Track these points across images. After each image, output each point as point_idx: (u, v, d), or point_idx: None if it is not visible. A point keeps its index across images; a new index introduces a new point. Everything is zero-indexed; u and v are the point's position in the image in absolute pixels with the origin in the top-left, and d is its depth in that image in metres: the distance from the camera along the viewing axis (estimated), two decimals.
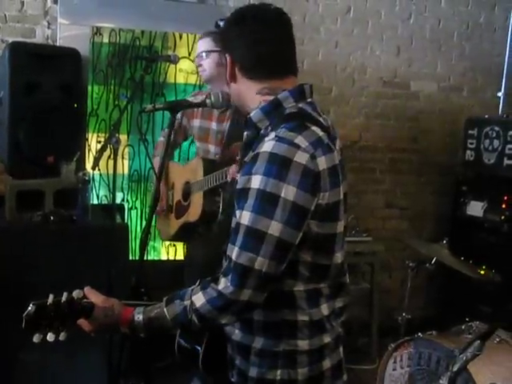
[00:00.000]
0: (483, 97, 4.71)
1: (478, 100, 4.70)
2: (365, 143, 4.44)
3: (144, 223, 3.97)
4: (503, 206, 3.90)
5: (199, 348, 1.69)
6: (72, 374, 3.02)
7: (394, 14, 4.45)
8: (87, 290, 1.56)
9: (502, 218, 3.89)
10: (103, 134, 3.80)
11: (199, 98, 1.85)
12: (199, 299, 1.45)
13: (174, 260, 3.98)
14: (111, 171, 2.76)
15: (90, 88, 3.78)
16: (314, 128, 1.49)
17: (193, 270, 2.93)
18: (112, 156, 2.75)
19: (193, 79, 3.96)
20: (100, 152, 2.58)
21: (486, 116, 4.26)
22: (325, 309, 1.57)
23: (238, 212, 1.46)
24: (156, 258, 3.96)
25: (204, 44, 2.85)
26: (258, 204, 1.41)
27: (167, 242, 3.92)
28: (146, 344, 2.91)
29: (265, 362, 1.55)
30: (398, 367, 2.87)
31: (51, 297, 1.48)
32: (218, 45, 2.68)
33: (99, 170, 3.57)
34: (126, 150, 3.87)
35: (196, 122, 2.99)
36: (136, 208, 3.96)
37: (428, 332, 2.81)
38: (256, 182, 1.41)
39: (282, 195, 1.40)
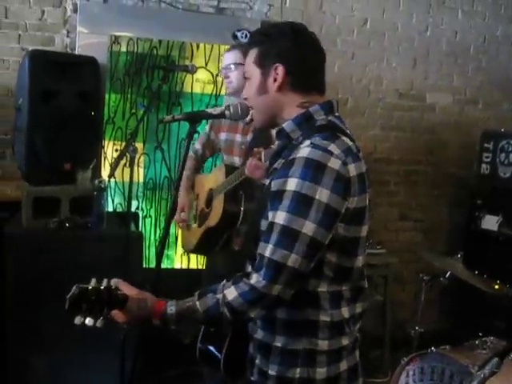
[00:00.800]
0: (499, 110, 4.69)
1: (493, 113, 4.69)
2: (380, 155, 4.44)
3: (158, 231, 3.98)
4: None
5: (219, 353, 1.74)
6: (84, 379, 3.03)
7: (411, 27, 4.45)
8: (120, 282, 1.60)
9: None
10: (119, 142, 3.83)
11: (218, 110, 1.86)
12: (231, 293, 1.53)
13: (188, 269, 3.99)
14: (127, 179, 2.78)
15: (107, 96, 3.82)
16: (344, 138, 1.59)
17: (212, 281, 2.93)
18: (128, 164, 2.77)
19: (209, 89, 3.98)
20: (117, 160, 2.59)
21: (503, 129, 4.24)
22: (345, 311, 1.63)
23: (271, 213, 1.54)
24: (169, 267, 3.97)
25: (232, 56, 2.86)
26: (293, 205, 1.50)
27: (181, 251, 3.93)
28: (158, 351, 2.93)
29: (285, 361, 1.61)
30: (411, 381, 2.84)
31: (93, 281, 1.53)
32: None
33: (115, 177, 3.58)
34: (142, 158, 3.89)
35: (223, 136, 3.01)
36: (150, 216, 3.98)
37: (441, 346, 2.79)
38: (292, 184, 1.50)
39: (317, 197, 1.49)
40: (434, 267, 3.49)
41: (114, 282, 1.56)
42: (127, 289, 1.59)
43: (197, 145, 3.17)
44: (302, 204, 1.49)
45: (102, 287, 1.52)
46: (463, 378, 2.61)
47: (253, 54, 1.68)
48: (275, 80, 1.65)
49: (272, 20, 4.09)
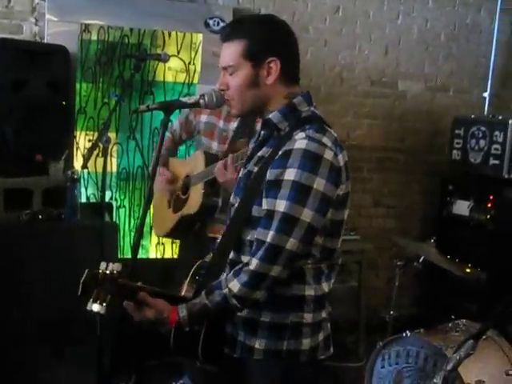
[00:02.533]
0: (469, 97, 4.75)
1: (464, 100, 4.74)
2: (352, 142, 4.45)
3: (133, 221, 3.96)
4: (489, 205, 3.95)
5: (196, 340, 1.73)
6: (61, 374, 3.01)
7: (382, 14, 4.47)
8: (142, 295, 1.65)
9: (488, 216, 3.94)
10: (92, 132, 3.79)
11: (193, 99, 1.84)
12: (235, 285, 1.62)
13: (163, 258, 3.98)
14: (100, 169, 2.75)
15: (78, 85, 3.76)
16: (330, 130, 1.70)
17: (187, 270, 2.92)
18: (100, 154, 2.74)
19: (182, 78, 3.95)
20: (90, 151, 2.56)
21: (473, 116, 4.31)
22: (325, 286, 1.75)
23: (270, 200, 1.62)
24: (144, 257, 3.95)
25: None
26: (293, 194, 1.59)
27: (155, 241, 3.91)
28: (136, 342, 2.92)
29: (273, 334, 1.70)
30: (386, 365, 2.89)
31: (103, 265, 1.59)
32: None
33: (88, 168, 3.53)
34: (115, 148, 3.85)
35: (203, 118, 2.95)
36: (124, 206, 3.95)
37: (416, 330, 2.84)
38: (291, 174, 1.59)
39: (314, 186, 1.59)
40: (408, 252, 3.54)
41: (116, 266, 1.59)
42: (146, 298, 1.64)
43: (175, 125, 3.10)
44: (301, 193, 1.59)
45: (108, 272, 1.57)
46: (437, 360, 2.66)
47: (238, 46, 1.69)
48: (268, 74, 1.69)
49: (244, 7, 4.09)
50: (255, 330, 1.71)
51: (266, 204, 1.64)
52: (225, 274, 1.69)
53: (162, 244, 3.95)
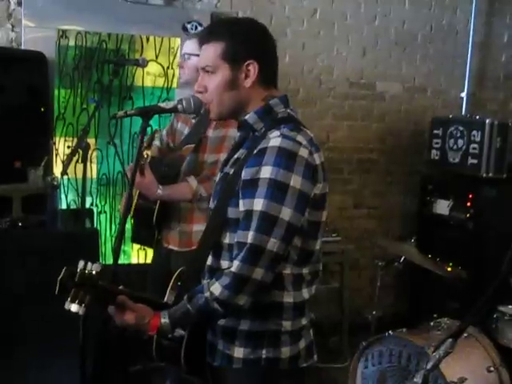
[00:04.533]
0: (447, 97, 4.80)
1: (442, 100, 4.79)
2: (332, 144, 4.49)
3: (114, 227, 3.94)
4: (468, 204, 3.99)
5: (179, 347, 1.72)
6: (44, 380, 2.98)
7: (360, 16, 4.50)
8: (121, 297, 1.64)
9: (468, 215, 3.98)
10: (71, 138, 3.77)
11: (171, 104, 1.85)
12: (217, 288, 1.59)
13: (145, 264, 3.96)
14: (79, 175, 2.74)
15: (56, 92, 3.74)
16: (306, 130, 1.69)
17: (152, 279, 2.92)
18: (80, 160, 2.73)
19: (160, 82, 3.95)
20: (69, 157, 2.56)
21: (451, 116, 4.35)
22: (305, 293, 1.72)
23: (246, 200, 1.60)
24: (126, 262, 3.93)
25: (188, 46, 2.77)
26: (270, 191, 1.57)
27: (137, 247, 3.90)
28: (119, 348, 2.90)
29: (251, 343, 1.68)
30: (370, 365, 2.91)
31: (81, 263, 1.57)
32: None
33: (67, 174, 3.51)
34: (95, 153, 3.84)
35: (178, 125, 2.97)
36: (105, 212, 3.93)
37: (398, 329, 2.86)
38: (267, 172, 1.58)
39: (291, 184, 1.58)
40: (389, 253, 3.56)
41: (96, 266, 1.58)
42: (128, 303, 1.64)
43: (163, 131, 3.11)
44: (278, 190, 1.57)
45: (86, 271, 1.55)
46: (420, 359, 2.68)
47: (217, 47, 1.69)
48: (246, 76, 1.69)
49: (222, 11, 4.09)
50: (234, 339, 1.69)
51: (242, 205, 1.62)
52: (208, 279, 1.67)
53: (144, 249, 3.93)
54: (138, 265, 3.96)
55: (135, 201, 2.79)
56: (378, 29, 4.57)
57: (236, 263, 1.58)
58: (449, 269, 3.79)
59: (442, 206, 4.16)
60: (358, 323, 3.94)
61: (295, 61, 4.32)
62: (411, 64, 4.70)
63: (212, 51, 1.70)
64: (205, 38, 1.74)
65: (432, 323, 2.97)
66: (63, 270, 1.55)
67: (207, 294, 1.60)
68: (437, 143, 4.30)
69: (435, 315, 3.10)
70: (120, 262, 3.91)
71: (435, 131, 4.33)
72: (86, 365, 2.64)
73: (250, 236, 1.58)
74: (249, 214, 1.59)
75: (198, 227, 2.66)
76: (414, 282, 4.36)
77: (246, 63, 1.68)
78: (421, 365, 2.65)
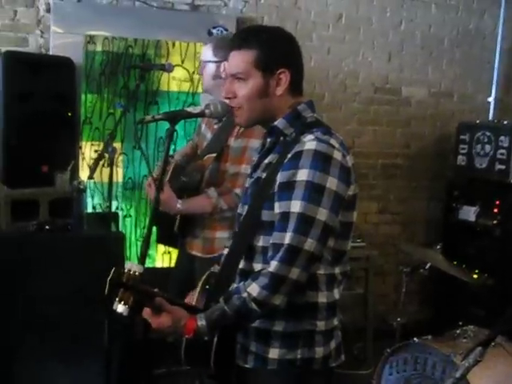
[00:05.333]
0: (473, 102, 4.76)
1: (468, 105, 4.75)
2: (357, 149, 4.47)
3: (139, 231, 3.97)
4: (495, 210, 3.94)
5: (208, 350, 1.72)
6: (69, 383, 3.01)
7: (385, 21, 4.49)
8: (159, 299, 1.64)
9: (494, 222, 3.93)
10: (97, 143, 3.80)
11: (198, 109, 1.86)
12: (254, 289, 1.60)
13: (169, 267, 3.97)
14: (105, 179, 2.76)
15: (83, 96, 3.78)
16: (335, 133, 1.73)
17: (174, 284, 2.94)
18: (106, 164, 2.75)
19: (186, 87, 3.97)
20: (96, 162, 2.58)
21: (478, 121, 4.31)
22: (336, 293, 1.75)
23: (283, 203, 1.63)
24: (151, 266, 3.95)
25: (204, 54, 2.77)
26: (307, 193, 1.60)
27: (162, 251, 3.92)
28: (144, 351, 2.92)
29: (286, 343, 1.70)
30: (394, 372, 2.88)
31: (129, 264, 1.59)
32: (216, 55, 2.67)
33: (93, 178, 3.55)
34: (120, 157, 3.87)
35: (203, 128, 2.97)
36: (130, 216, 3.96)
37: (423, 337, 2.83)
38: (304, 174, 1.61)
39: (327, 186, 1.61)
40: (414, 259, 3.53)
41: (138, 268, 1.59)
42: (165, 305, 1.63)
43: (194, 135, 3.12)
44: (315, 192, 1.60)
45: (131, 273, 1.57)
46: (445, 367, 2.65)
47: (249, 55, 1.70)
48: (278, 85, 1.72)
49: (247, 16, 4.10)
50: (268, 340, 1.71)
51: (278, 207, 1.64)
52: (239, 283, 1.68)
53: (169, 253, 3.96)
54: (163, 268, 3.98)
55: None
56: (403, 33, 4.54)
57: (274, 263, 1.59)
58: (475, 276, 3.75)
59: (468, 213, 4.12)
60: (383, 329, 3.91)
61: (320, 65, 4.31)
62: (437, 69, 4.66)
63: (244, 59, 1.71)
64: (237, 44, 1.75)
65: (458, 331, 2.93)
66: (112, 270, 1.56)
67: (245, 295, 1.61)
68: (463, 149, 4.26)
69: (461, 323, 3.06)
70: (144, 265, 3.97)
71: (462, 136, 4.28)
72: (111, 367, 2.65)
73: (287, 237, 1.60)
74: (285, 215, 1.62)
75: (221, 234, 2.68)
76: (440, 289, 4.31)
77: (278, 71, 1.70)
78: (447, 373, 2.62)
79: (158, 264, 4.01)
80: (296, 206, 1.60)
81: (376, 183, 4.60)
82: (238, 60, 1.72)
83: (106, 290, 1.54)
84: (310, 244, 1.59)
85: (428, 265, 3.15)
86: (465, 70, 4.72)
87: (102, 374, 2.69)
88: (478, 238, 4.02)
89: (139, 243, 3.94)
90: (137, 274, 1.58)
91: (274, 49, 1.71)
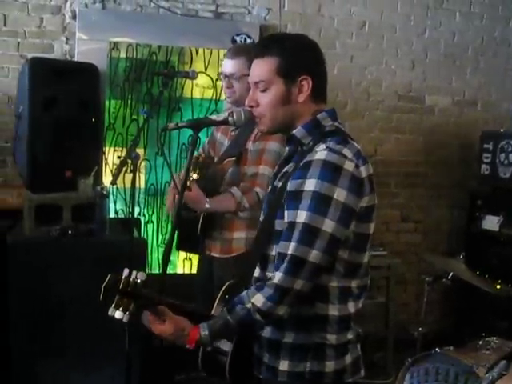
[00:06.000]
0: (497, 111, 4.71)
1: (492, 114, 4.70)
2: (380, 157, 4.45)
3: (160, 237, 3.99)
4: None
5: (224, 359, 1.74)
6: None
7: (409, 29, 4.47)
8: (162, 308, 1.65)
9: None
10: (120, 148, 3.84)
11: (221, 116, 1.86)
12: (259, 300, 1.60)
13: (190, 274, 3.99)
14: (128, 185, 2.78)
15: (107, 102, 3.83)
16: (353, 142, 1.70)
17: (199, 289, 2.96)
18: (129, 170, 2.76)
19: (209, 94, 3.99)
20: (119, 168, 2.59)
21: (502, 130, 4.26)
22: (351, 307, 1.71)
23: (291, 212, 1.62)
24: (172, 272, 3.97)
25: (237, 65, 2.74)
26: (314, 204, 1.59)
27: (183, 256, 3.93)
28: (164, 357, 2.93)
29: (295, 356, 1.68)
30: (415, 382, 2.84)
31: (126, 271, 1.60)
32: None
33: (116, 183, 3.59)
34: (143, 164, 3.90)
35: (217, 136, 3.01)
36: (152, 222, 3.98)
37: (445, 347, 2.79)
38: (311, 184, 1.60)
39: (335, 197, 1.59)
40: (436, 268, 3.50)
41: (141, 275, 1.60)
42: (167, 315, 1.65)
43: (206, 140, 3.15)
44: (321, 203, 1.58)
45: (131, 279, 1.57)
46: (468, 379, 2.61)
47: (271, 63, 1.70)
48: (300, 92, 1.71)
49: (271, 23, 4.11)
50: (278, 351, 1.70)
51: (287, 216, 1.63)
52: (245, 290, 1.67)
53: (190, 259, 3.97)
54: (184, 275, 3.99)
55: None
56: (427, 41, 4.52)
57: (279, 275, 1.59)
58: (498, 286, 3.69)
59: (492, 222, 4.07)
60: (404, 339, 3.87)
61: (344, 73, 4.31)
62: (461, 77, 4.63)
63: (266, 66, 1.71)
64: (259, 52, 1.75)
65: (480, 342, 2.88)
66: (108, 277, 1.57)
67: (249, 306, 1.61)
68: (487, 157, 4.21)
69: (484, 334, 3.02)
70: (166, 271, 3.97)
71: (485, 145, 4.24)
72: (131, 372, 2.66)
73: (291, 247, 1.59)
74: (292, 225, 1.61)
75: (239, 234, 2.74)
76: (462, 299, 4.26)
77: (300, 78, 1.70)
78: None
79: (180, 270, 4.02)
80: (301, 216, 1.59)
81: (398, 191, 4.57)
82: (261, 68, 1.73)
83: (101, 296, 1.55)
84: (314, 255, 1.58)
85: (450, 274, 3.12)
86: (489, 78, 4.68)
87: (122, 378, 2.70)
88: (501, 248, 3.96)
89: (161, 249, 3.96)
90: (138, 280, 1.58)
91: (295, 56, 1.71)
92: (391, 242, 4.45)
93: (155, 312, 1.64)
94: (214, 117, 1.90)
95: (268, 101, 1.72)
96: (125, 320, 1.56)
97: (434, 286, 3.30)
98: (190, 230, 2.85)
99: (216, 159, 2.92)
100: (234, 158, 2.73)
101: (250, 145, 2.70)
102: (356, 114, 4.39)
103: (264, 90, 1.72)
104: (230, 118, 1.84)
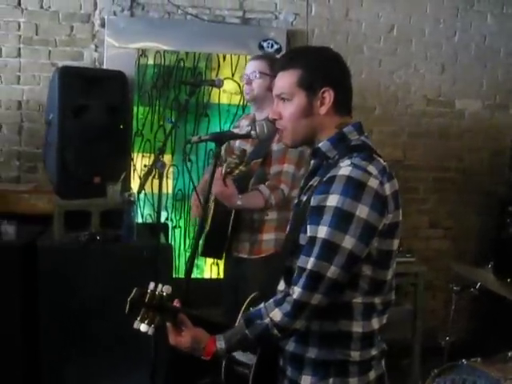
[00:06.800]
0: None
1: None
2: (408, 162, 4.41)
3: (188, 241, 4.02)
4: None
5: (248, 372, 1.75)
6: None
7: (439, 32, 4.41)
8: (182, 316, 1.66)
9: None
10: (148, 154, 3.88)
11: (244, 130, 1.88)
12: (277, 315, 1.60)
13: (217, 279, 4.01)
14: (156, 190, 2.82)
15: (135, 109, 3.87)
16: (379, 159, 1.68)
17: (227, 291, 2.99)
18: (156, 177, 2.79)
19: (236, 100, 4.00)
20: (145, 176, 2.62)
21: None
22: (376, 323, 1.69)
23: (312, 227, 1.61)
24: (199, 277, 4.00)
25: (258, 65, 2.89)
26: (335, 220, 1.57)
27: (210, 261, 3.96)
28: (188, 360, 2.95)
29: (318, 371, 1.67)
30: None
31: (151, 285, 1.61)
32: (272, 70, 2.72)
33: (144, 189, 3.62)
34: (171, 169, 3.93)
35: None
36: (180, 227, 4.01)
37: (472, 358, 2.76)
38: (334, 200, 1.58)
39: (357, 213, 1.57)
40: (464, 277, 3.45)
41: (166, 288, 1.62)
42: (186, 324, 1.66)
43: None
44: (342, 219, 1.57)
45: (157, 293, 1.59)
46: None
47: (293, 75, 1.70)
48: (322, 104, 1.70)
49: (297, 28, 4.10)
50: (301, 366, 1.69)
51: (309, 231, 1.63)
52: (263, 303, 1.67)
53: (217, 264, 3.99)
54: (211, 279, 4.02)
55: (211, 213, 2.88)
56: (457, 44, 4.45)
57: (297, 290, 1.59)
58: None
59: None
60: (431, 346, 3.83)
61: (372, 78, 4.28)
62: (492, 80, 4.55)
63: (288, 79, 1.71)
64: (281, 66, 1.75)
65: (510, 354, 2.84)
66: (134, 290, 1.59)
67: (267, 321, 1.61)
68: None
69: None
70: (193, 276, 4.02)
71: None
72: (156, 378, 2.69)
73: (310, 262, 1.58)
74: (312, 240, 1.60)
75: (268, 236, 2.82)
76: (491, 308, 4.19)
77: (322, 90, 1.69)
78: None
79: (207, 275, 4.05)
80: (322, 231, 1.58)
81: (427, 197, 4.52)
82: (283, 81, 1.73)
83: (126, 310, 1.56)
84: (333, 271, 1.56)
85: (478, 284, 3.07)
86: None
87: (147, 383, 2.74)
88: None
89: (187, 254, 3.99)
90: (164, 294, 1.60)
91: (317, 68, 1.70)
92: (420, 248, 4.39)
93: (174, 323, 1.65)
94: (236, 130, 1.92)
95: (290, 113, 1.72)
96: (150, 333, 1.58)
97: (461, 294, 3.25)
98: (217, 236, 2.89)
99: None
100: (260, 160, 2.79)
101: (274, 146, 2.76)
102: (384, 118, 4.34)
103: (286, 103, 1.72)
104: (252, 132, 1.85)
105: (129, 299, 1.57)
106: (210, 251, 3.07)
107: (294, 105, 1.71)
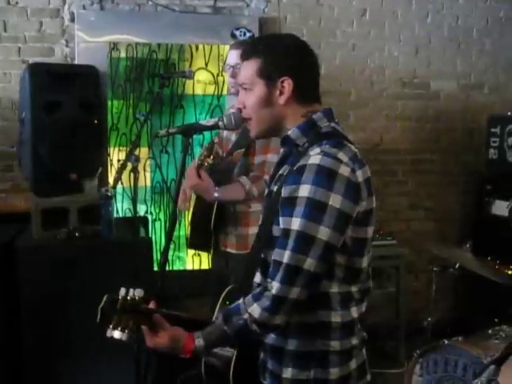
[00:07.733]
0: (505, 94, 4.64)
1: (499, 97, 4.63)
2: (386, 145, 4.42)
3: None
4: None
5: (227, 366, 1.74)
6: None
7: (411, 14, 4.41)
8: (157, 316, 1.63)
9: None
10: (124, 148, 3.85)
11: (212, 121, 1.86)
12: (255, 310, 1.58)
13: (199, 270, 4.01)
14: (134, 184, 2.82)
15: (109, 103, 3.84)
16: (350, 145, 1.65)
17: (214, 283, 2.98)
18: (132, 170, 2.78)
19: (211, 90, 3.98)
20: (119, 171, 2.61)
21: (509, 113, 4.20)
22: (354, 312, 1.68)
23: (285, 219, 1.59)
24: (181, 268, 3.99)
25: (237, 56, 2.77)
26: (307, 211, 1.55)
27: (192, 253, 3.95)
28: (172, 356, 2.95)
29: (298, 363, 1.65)
30: (425, 373, 2.84)
31: (122, 290, 1.58)
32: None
33: (122, 183, 3.60)
34: (148, 162, 3.91)
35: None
36: (160, 219, 4.00)
37: (454, 338, 2.78)
38: (305, 190, 1.55)
39: (330, 203, 1.54)
40: (444, 258, 3.48)
41: (138, 292, 1.59)
42: (162, 324, 1.63)
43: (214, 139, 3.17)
44: (316, 210, 1.54)
45: (128, 298, 1.57)
46: (476, 369, 2.60)
47: (254, 64, 1.68)
48: (281, 93, 1.67)
49: (270, 16, 4.09)
50: (282, 358, 1.67)
51: (281, 223, 1.60)
52: (242, 298, 1.65)
53: (199, 255, 3.99)
54: (193, 271, 4.02)
55: (191, 208, 2.87)
56: (430, 26, 4.46)
57: (276, 285, 1.56)
58: (509, 272, 3.66)
59: (501, 207, 4.03)
60: (415, 327, 3.87)
61: (346, 62, 4.26)
62: (466, 60, 4.57)
63: (249, 68, 1.70)
64: (244, 54, 1.74)
65: (490, 331, 2.87)
66: (104, 298, 1.56)
67: (246, 316, 1.59)
68: (494, 142, 4.16)
69: (496, 320, 2.99)
70: (175, 268, 4.01)
71: (492, 129, 4.18)
72: (141, 370, 2.69)
73: (286, 255, 1.56)
74: (286, 232, 1.57)
75: (254, 230, 2.69)
76: (472, 287, 4.23)
77: (281, 80, 1.66)
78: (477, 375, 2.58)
79: (189, 266, 4.04)
80: (296, 223, 1.55)
81: (406, 179, 4.53)
82: (245, 70, 1.72)
83: (98, 318, 1.53)
84: (310, 263, 1.54)
85: (457, 265, 3.10)
86: (495, 60, 4.61)
87: (131, 379, 2.74)
88: (511, 233, 3.93)
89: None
90: (136, 298, 1.57)
91: (276, 57, 1.68)
92: (400, 230, 4.42)
93: (150, 325, 1.61)
94: (204, 122, 1.89)
95: (251, 103, 1.70)
96: (124, 339, 1.54)
97: (442, 275, 3.28)
98: (202, 227, 2.88)
99: (225, 155, 2.94)
100: (243, 150, 2.77)
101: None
102: (360, 103, 4.35)
103: (248, 92, 1.71)
104: (220, 123, 1.83)
105: (100, 307, 1.54)
106: (196, 244, 3.07)
107: (254, 95, 1.70)
